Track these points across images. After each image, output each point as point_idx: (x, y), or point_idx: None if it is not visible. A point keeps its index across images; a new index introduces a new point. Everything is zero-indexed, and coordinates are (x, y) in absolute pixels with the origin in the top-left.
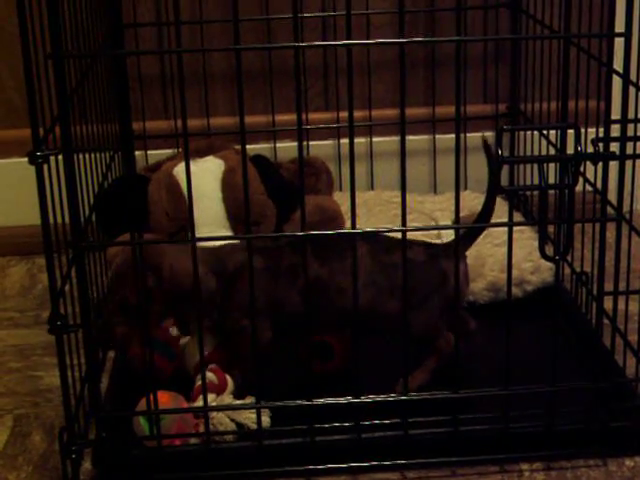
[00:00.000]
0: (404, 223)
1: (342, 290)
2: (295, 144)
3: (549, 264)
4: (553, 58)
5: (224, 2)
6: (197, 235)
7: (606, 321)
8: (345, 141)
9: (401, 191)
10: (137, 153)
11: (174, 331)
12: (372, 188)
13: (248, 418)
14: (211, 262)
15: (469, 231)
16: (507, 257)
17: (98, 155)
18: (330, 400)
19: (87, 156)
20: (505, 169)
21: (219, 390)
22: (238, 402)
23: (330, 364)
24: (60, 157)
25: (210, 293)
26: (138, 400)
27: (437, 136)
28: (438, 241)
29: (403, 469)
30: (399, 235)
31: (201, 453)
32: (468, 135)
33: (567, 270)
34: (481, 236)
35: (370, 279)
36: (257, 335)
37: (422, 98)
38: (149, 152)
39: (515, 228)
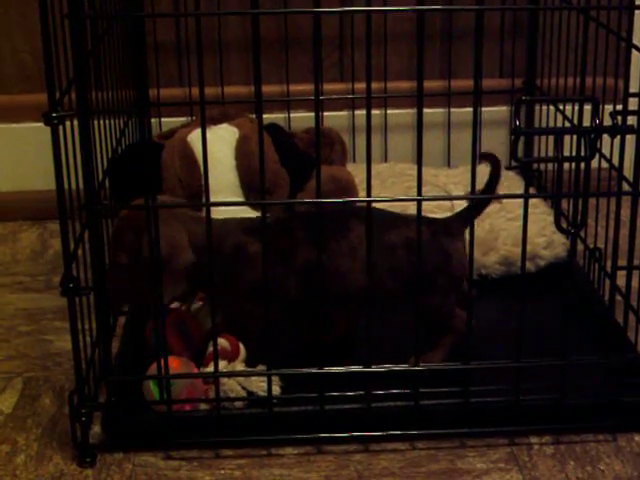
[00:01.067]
0: (419, 193)
1: (340, 272)
2: (309, 114)
3: (562, 239)
4: (571, 32)
5: None
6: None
7: (619, 297)
8: (359, 112)
9: (417, 161)
10: (151, 120)
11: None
12: (386, 160)
13: (259, 387)
14: (197, 234)
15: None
16: (522, 229)
17: (112, 121)
18: (341, 369)
19: (102, 121)
20: (521, 143)
21: (231, 357)
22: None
23: (332, 335)
24: (75, 122)
25: (184, 264)
26: (149, 365)
27: (452, 109)
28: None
29: (413, 439)
30: (413, 206)
31: (211, 419)
32: (484, 110)
33: (580, 246)
34: (493, 209)
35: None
36: (261, 318)
37: (438, 71)
38: (163, 119)
39: (529, 203)
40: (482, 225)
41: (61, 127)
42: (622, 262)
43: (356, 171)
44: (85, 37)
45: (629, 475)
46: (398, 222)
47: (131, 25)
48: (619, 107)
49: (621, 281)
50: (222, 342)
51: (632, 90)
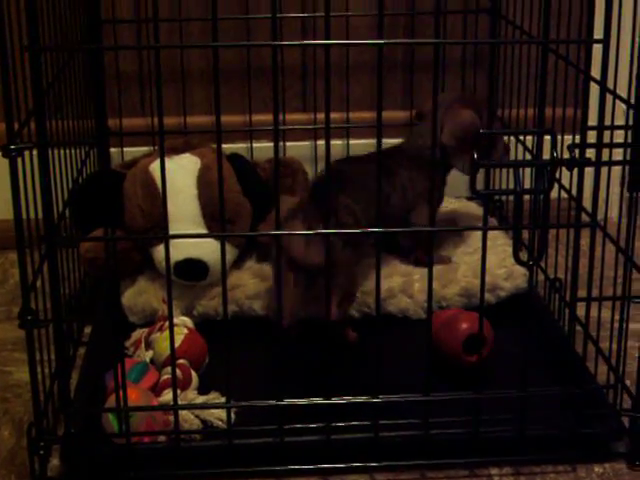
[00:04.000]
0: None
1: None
2: (272, 144)
3: (523, 270)
4: (532, 65)
5: (204, 1)
6: (171, 232)
7: (579, 328)
8: (321, 142)
9: (377, 188)
10: (113, 150)
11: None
12: None
13: (212, 415)
14: None
15: None
16: (481, 261)
17: (73, 151)
18: (301, 401)
19: (62, 151)
20: (481, 175)
21: (183, 385)
22: (202, 399)
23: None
24: (35, 152)
25: None
26: (107, 397)
27: None
28: None
29: (373, 471)
30: None
31: (170, 451)
32: None
33: (541, 277)
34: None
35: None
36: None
37: (400, 101)
38: (125, 149)
39: (489, 235)
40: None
41: (20, 158)
42: (583, 292)
43: None
44: (45, 68)
45: None
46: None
47: (90, 57)
48: (579, 139)
49: (582, 311)
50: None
51: (591, 123)
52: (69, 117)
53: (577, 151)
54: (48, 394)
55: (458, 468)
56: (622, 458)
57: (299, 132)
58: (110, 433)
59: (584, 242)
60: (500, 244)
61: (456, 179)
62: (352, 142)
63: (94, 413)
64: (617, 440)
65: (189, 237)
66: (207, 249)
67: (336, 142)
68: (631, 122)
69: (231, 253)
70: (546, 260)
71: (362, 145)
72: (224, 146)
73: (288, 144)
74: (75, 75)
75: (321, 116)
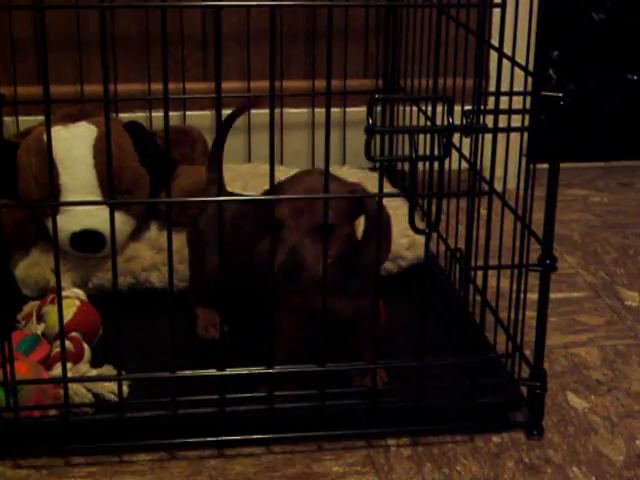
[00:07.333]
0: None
1: None
2: (172, 113)
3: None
4: (432, 32)
5: None
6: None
7: (478, 298)
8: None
9: (269, 160)
10: (8, 119)
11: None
12: (250, 160)
13: (104, 388)
14: None
15: None
16: (377, 229)
17: None
18: (196, 372)
19: None
20: (379, 142)
21: (75, 359)
22: (95, 372)
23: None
24: None
25: None
26: None
27: (316, 110)
28: None
29: (269, 443)
30: None
31: (60, 425)
32: (347, 110)
33: (442, 247)
34: None
35: None
36: None
37: (302, 70)
38: (21, 118)
39: (392, 204)
40: None
41: None
42: (482, 263)
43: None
44: None
45: (485, 476)
46: None
47: None
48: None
49: (481, 281)
50: (67, 344)
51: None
52: None
53: (474, 117)
54: None
55: (355, 439)
56: (520, 428)
57: (200, 101)
58: None
59: (485, 213)
60: (402, 214)
61: (359, 148)
62: (254, 112)
63: None
64: (515, 410)
65: (79, 204)
66: (104, 220)
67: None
68: (529, 89)
69: (129, 224)
70: (447, 231)
71: (265, 115)
72: (122, 115)
73: (188, 113)
74: None
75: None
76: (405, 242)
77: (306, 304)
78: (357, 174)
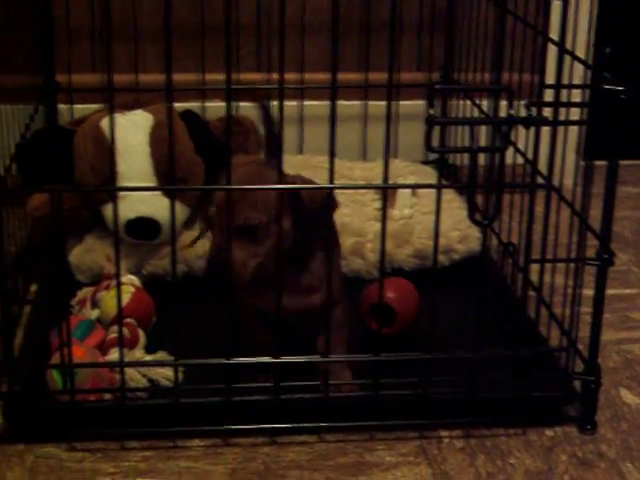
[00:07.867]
0: (331, 181)
1: None
2: (224, 104)
3: (477, 233)
4: (490, 27)
5: None
6: None
7: (532, 293)
8: (276, 103)
9: (329, 152)
10: (63, 107)
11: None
12: (301, 152)
13: (159, 374)
14: None
15: None
16: (435, 220)
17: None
18: (249, 359)
19: (8, 107)
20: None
21: (131, 344)
22: (149, 358)
23: (389, 328)
24: None
25: None
26: (53, 355)
27: (369, 102)
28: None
29: (322, 432)
30: None
31: (116, 409)
32: (401, 103)
33: (495, 241)
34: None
35: None
36: None
37: (356, 63)
38: (76, 106)
39: (444, 198)
40: (398, 219)
41: None
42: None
43: None
44: None
45: (539, 469)
46: None
47: (39, 8)
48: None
49: (535, 277)
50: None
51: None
52: (16, 72)
53: (534, 110)
54: None
55: (407, 430)
56: (573, 422)
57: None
58: (54, 390)
59: (539, 209)
60: (455, 207)
61: (413, 141)
62: (307, 103)
63: (38, 370)
64: (568, 404)
65: (136, 190)
66: (159, 207)
67: (290, 103)
68: (589, 82)
69: (183, 212)
70: (500, 225)
71: (317, 107)
72: (177, 105)
73: (241, 104)
74: (23, 29)
75: (276, 76)
76: (457, 235)
77: (253, 302)
78: (409, 167)
